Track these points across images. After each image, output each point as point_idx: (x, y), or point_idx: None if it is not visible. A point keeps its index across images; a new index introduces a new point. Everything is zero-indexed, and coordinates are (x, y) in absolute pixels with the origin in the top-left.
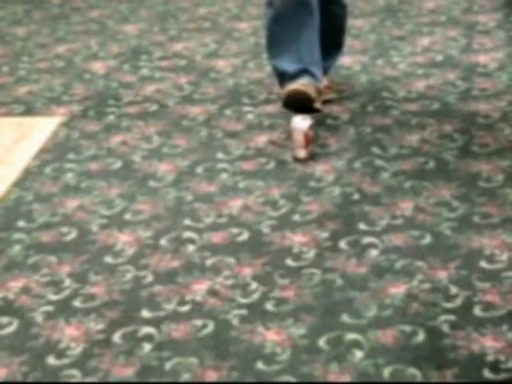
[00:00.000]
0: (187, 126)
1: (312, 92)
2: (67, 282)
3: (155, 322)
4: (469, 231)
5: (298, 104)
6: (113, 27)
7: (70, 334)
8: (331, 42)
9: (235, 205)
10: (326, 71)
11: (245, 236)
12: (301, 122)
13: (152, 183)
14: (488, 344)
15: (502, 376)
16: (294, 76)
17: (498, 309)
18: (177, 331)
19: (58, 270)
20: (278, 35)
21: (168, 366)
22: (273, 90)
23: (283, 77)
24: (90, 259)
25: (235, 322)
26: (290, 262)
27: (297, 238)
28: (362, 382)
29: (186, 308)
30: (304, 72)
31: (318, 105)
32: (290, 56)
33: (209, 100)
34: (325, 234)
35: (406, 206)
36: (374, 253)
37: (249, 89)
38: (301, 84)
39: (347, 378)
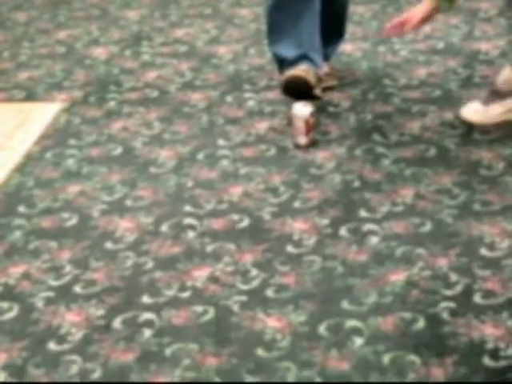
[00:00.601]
0: (188, 113)
1: (311, 78)
2: (68, 267)
3: (155, 308)
4: (469, 219)
5: (297, 90)
6: (114, 13)
7: (70, 319)
8: (332, 29)
9: (236, 191)
10: (327, 58)
11: (245, 222)
12: (302, 109)
13: (153, 169)
14: (488, 331)
15: (502, 363)
16: (294, 62)
17: (497, 296)
18: (177, 317)
19: (58, 256)
20: (278, 21)
21: (168, 351)
22: (274, 77)
23: (283, 63)
24: (90, 245)
25: (235, 308)
26: (290, 248)
27: (297, 225)
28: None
29: (186, 294)
30: (304, 58)
31: (317, 91)
32: (290, 42)
33: (210, 86)
34: (325, 221)
35: (407, 194)
36: (374, 240)
37: (250, 75)
38: (300, 70)
39: (347, 365)
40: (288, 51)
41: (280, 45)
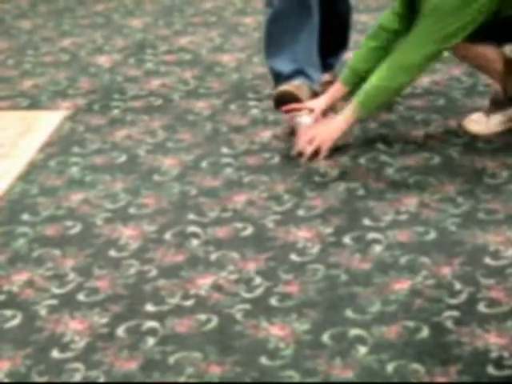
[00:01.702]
0: (192, 121)
1: (303, 94)
2: (71, 275)
3: (159, 316)
4: (473, 227)
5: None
6: (118, 21)
7: (73, 327)
8: (336, 39)
9: (239, 199)
10: (330, 67)
11: (249, 231)
12: (305, 118)
13: (156, 177)
14: (492, 340)
15: (506, 372)
16: (289, 77)
17: (502, 305)
18: (181, 325)
19: (62, 264)
20: (276, 35)
21: (171, 360)
22: None
23: (278, 77)
24: (94, 253)
25: (239, 316)
26: (294, 257)
27: (301, 233)
28: (366, 381)
29: (189, 302)
30: (299, 73)
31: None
32: (286, 56)
33: (213, 94)
34: (329, 230)
35: (411, 202)
36: (378, 248)
37: (253, 83)
38: (292, 86)
39: (351, 374)
40: (284, 66)
41: (276, 59)
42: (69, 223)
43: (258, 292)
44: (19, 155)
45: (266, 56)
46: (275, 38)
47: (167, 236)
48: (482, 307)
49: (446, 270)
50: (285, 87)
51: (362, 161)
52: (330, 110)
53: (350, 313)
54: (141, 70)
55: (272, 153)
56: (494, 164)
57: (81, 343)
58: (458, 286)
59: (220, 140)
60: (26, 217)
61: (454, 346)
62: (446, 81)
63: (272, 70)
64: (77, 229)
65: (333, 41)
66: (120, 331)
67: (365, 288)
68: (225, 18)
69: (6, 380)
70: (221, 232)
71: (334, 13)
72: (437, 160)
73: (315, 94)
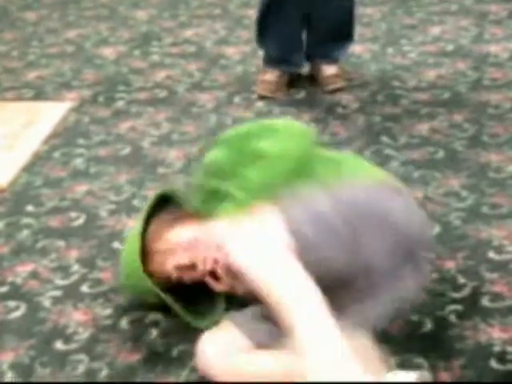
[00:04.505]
0: (196, 113)
1: (281, 83)
2: (75, 267)
3: (162, 309)
4: (477, 221)
5: (268, 94)
6: (123, 12)
7: (77, 318)
8: (340, 33)
9: None
10: (336, 60)
11: None
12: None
13: (161, 169)
14: (495, 335)
15: (509, 366)
16: (273, 61)
17: (505, 299)
18: None
19: (66, 255)
20: (266, 20)
21: (175, 352)
22: None
23: (267, 60)
24: (98, 244)
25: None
26: None
27: None
28: None
29: None
30: (281, 60)
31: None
32: (274, 41)
33: (218, 87)
34: None
35: (415, 196)
36: None
37: (258, 76)
38: (273, 75)
39: None
40: (270, 50)
41: (266, 42)
42: (73, 214)
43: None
44: (24, 146)
45: (257, 39)
46: (265, 22)
47: None
48: (485, 301)
49: (450, 264)
50: (267, 76)
51: (366, 154)
52: None
53: None
54: (146, 62)
55: None
56: (498, 158)
57: (84, 334)
58: (461, 280)
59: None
60: (30, 208)
61: (458, 340)
62: (451, 75)
63: (263, 52)
64: (81, 220)
65: (338, 34)
66: (123, 323)
67: None
68: (230, 10)
69: (9, 371)
70: None
71: (338, 8)
72: (441, 154)
73: (298, 77)
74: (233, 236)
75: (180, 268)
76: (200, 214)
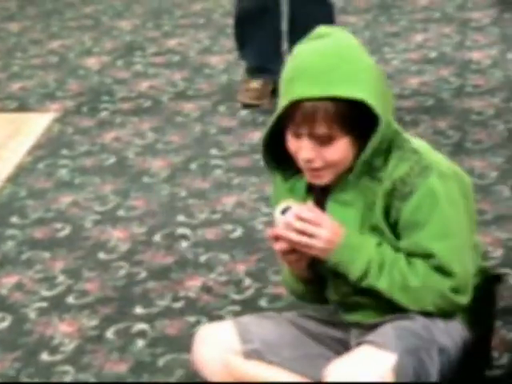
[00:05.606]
0: (181, 122)
1: (265, 91)
2: (60, 278)
3: (148, 319)
4: None
5: (250, 103)
6: (107, 23)
7: (63, 330)
8: None
9: (229, 201)
10: None
11: (238, 232)
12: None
13: (146, 179)
14: None
15: (496, 372)
16: (255, 71)
17: None
18: (170, 327)
19: (51, 266)
20: (242, 32)
21: (161, 362)
22: None
23: (250, 71)
24: (83, 255)
25: (228, 318)
26: None
27: None
28: None
29: (179, 304)
30: (263, 69)
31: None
32: (253, 52)
33: (202, 96)
34: None
35: None
36: None
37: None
38: (257, 83)
39: None
40: (251, 60)
41: (244, 52)
42: (58, 225)
43: (248, 294)
44: (8, 157)
45: (238, 47)
46: (243, 32)
47: (156, 238)
48: None
49: None
50: (250, 85)
51: None
52: None
53: None
54: (129, 72)
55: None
56: (482, 164)
57: (70, 346)
58: None
59: (209, 142)
60: (14, 219)
61: None
62: (434, 82)
63: (244, 61)
64: (66, 231)
65: None
66: (109, 333)
67: None
68: (213, 19)
69: None
70: (210, 234)
71: (315, 15)
72: None
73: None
74: None
75: None
76: None
